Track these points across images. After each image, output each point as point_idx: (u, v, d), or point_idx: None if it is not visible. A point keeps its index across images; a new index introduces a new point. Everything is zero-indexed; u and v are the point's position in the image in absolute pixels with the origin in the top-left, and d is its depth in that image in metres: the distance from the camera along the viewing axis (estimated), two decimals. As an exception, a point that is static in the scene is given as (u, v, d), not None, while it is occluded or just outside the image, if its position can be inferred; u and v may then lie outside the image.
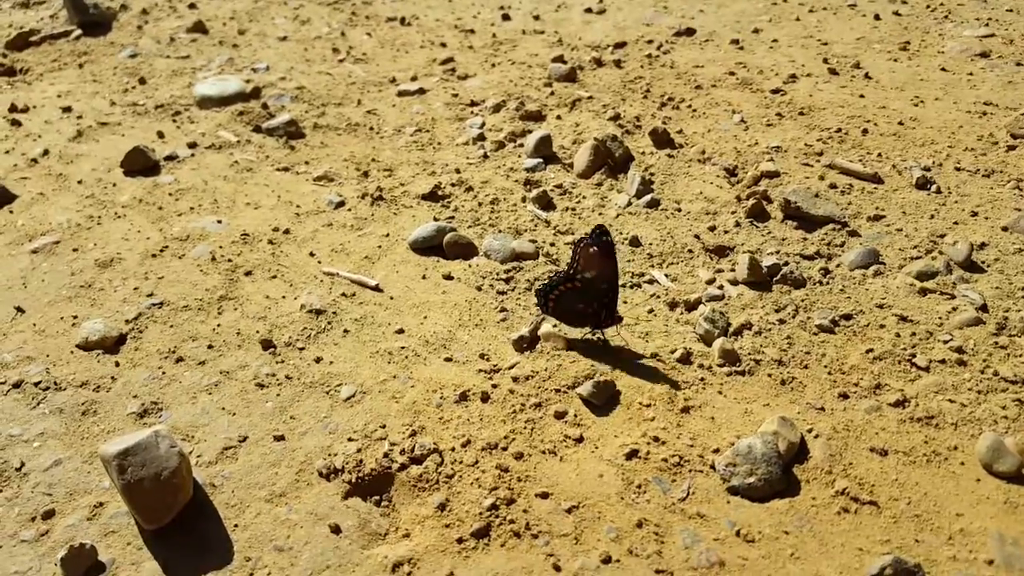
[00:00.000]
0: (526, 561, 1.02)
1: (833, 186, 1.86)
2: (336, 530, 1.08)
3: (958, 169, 1.91)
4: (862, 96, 2.34)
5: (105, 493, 1.15)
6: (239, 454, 1.21)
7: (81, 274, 1.66)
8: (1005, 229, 1.66)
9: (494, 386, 1.31)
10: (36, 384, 1.36)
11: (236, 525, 1.09)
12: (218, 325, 1.49)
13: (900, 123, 2.15)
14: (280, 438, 1.23)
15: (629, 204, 1.85)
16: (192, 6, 3.55)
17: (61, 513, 1.12)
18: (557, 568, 1.01)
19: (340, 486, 1.14)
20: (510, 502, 1.10)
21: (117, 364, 1.40)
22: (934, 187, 1.83)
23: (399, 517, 1.10)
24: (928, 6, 3.12)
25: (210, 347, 1.44)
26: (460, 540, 1.05)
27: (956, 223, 1.70)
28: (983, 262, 1.57)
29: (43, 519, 1.11)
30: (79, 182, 2.05)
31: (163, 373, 1.38)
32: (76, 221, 1.86)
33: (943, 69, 2.51)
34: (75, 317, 1.53)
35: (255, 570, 1.04)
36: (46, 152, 2.20)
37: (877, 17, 3.03)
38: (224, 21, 3.35)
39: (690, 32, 2.94)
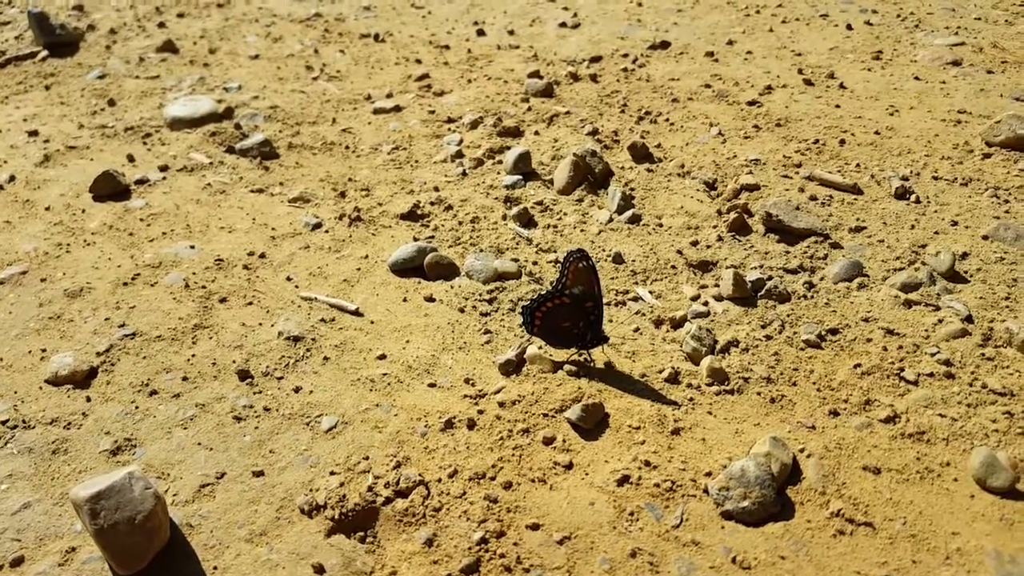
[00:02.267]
0: (518, 596, 0.99)
1: (813, 198, 1.85)
2: (320, 570, 1.04)
3: (936, 178, 1.91)
4: (838, 106, 2.35)
5: (77, 537, 1.10)
6: (217, 492, 1.16)
7: (50, 305, 1.61)
8: (985, 238, 1.66)
9: (480, 412, 1.28)
10: (3, 423, 1.30)
11: (215, 568, 1.05)
12: (193, 355, 1.45)
13: (876, 133, 2.16)
14: (259, 473, 1.19)
15: (611, 220, 1.83)
16: (161, 25, 3.50)
17: (31, 560, 1.07)
18: (550, 603, 0.98)
19: (323, 523, 1.10)
20: (500, 535, 1.07)
21: (88, 399, 1.36)
22: (913, 197, 1.83)
23: (385, 554, 1.06)
24: (898, 15, 3.15)
25: (185, 379, 1.39)
26: (449, 577, 1.02)
27: (937, 233, 1.70)
28: (966, 272, 1.56)
29: (11, 567, 1.06)
30: (47, 208, 1.99)
31: (136, 407, 1.33)
32: (44, 249, 1.80)
33: (916, 78, 2.53)
34: (44, 350, 1.48)
35: (236, 615, 0.99)
36: (12, 178, 2.14)
37: (849, 27, 3.05)
38: (194, 40, 3.30)
39: (665, 45, 2.95)
